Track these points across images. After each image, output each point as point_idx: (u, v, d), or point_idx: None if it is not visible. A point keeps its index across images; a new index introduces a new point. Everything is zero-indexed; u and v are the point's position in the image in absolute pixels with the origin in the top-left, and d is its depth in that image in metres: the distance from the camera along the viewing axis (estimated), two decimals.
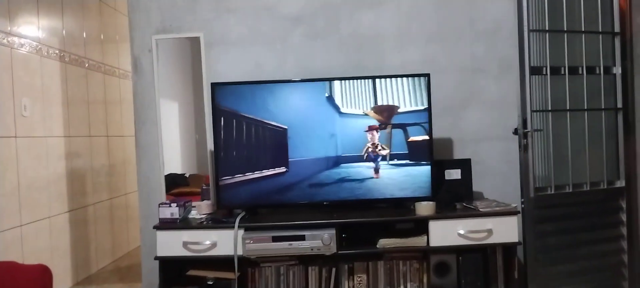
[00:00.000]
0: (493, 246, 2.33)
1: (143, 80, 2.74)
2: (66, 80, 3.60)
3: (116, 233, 4.28)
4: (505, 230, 2.25)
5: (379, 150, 2.40)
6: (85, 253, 3.78)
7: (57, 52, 3.49)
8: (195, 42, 2.69)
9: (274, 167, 2.38)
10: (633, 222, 2.65)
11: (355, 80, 2.41)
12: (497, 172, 2.69)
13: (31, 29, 3.21)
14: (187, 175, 2.76)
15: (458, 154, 2.69)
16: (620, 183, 2.64)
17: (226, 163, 2.39)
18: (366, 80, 2.41)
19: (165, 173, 2.70)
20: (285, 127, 2.37)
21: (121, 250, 4.34)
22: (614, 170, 2.66)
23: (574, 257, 2.56)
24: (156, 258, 2.27)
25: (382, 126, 2.39)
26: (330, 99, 2.39)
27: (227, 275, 2.25)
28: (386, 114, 2.40)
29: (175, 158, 2.77)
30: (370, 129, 2.41)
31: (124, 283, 3.60)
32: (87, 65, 3.90)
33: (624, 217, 2.65)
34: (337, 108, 2.39)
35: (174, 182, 2.72)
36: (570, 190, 2.54)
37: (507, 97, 2.67)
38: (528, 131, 2.42)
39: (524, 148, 2.47)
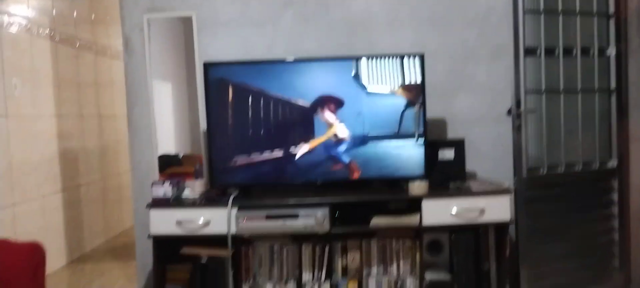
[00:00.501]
0: (485, 225, 2.35)
1: (134, 59, 2.71)
2: (57, 60, 3.56)
3: (109, 213, 4.28)
4: (498, 210, 2.26)
5: (343, 136, 2.37)
6: (79, 232, 3.78)
7: (47, 31, 3.45)
8: (187, 22, 2.66)
9: (268, 147, 2.38)
10: (625, 201, 2.67)
11: (343, 61, 2.39)
12: (489, 155, 2.70)
13: (20, 8, 3.17)
14: (180, 156, 2.75)
15: (451, 137, 2.70)
16: (613, 163, 2.66)
17: (219, 143, 2.38)
18: (354, 60, 2.39)
19: (159, 154, 2.69)
20: (280, 107, 2.36)
21: (115, 230, 4.34)
22: (607, 151, 2.68)
23: (565, 236, 2.58)
24: (149, 236, 2.27)
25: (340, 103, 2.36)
26: (325, 79, 2.38)
27: (220, 253, 2.26)
28: (414, 93, 2.37)
29: (168, 138, 2.75)
30: (324, 103, 2.36)
31: (118, 262, 3.60)
32: (77, 45, 3.86)
33: (615, 197, 2.67)
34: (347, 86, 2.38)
35: (167, 162, 2.71)
36: (563, 171, 2.56)
37: (498, 82, 2.68)
38: (521, 112, 2.43)
39: (517, 129, 2.48)
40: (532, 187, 2.48)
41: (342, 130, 2.35)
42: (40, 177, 3.33)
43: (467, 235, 2.35)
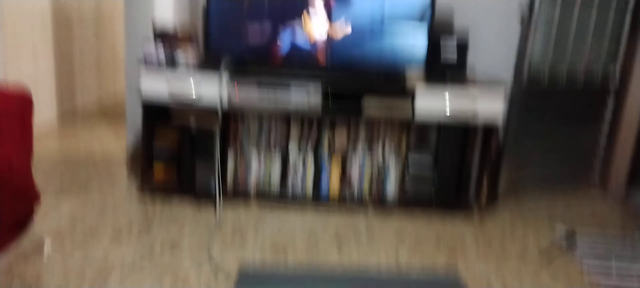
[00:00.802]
0: (475, 122, 2.36)
1: None
2: None
3: (102, 75, 4.26)
4: (490, 109, 2.25)
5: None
6: (70, 88, 3.78)
7: None
8: None
9: (268, 25, 2.29)
10: (617, 118, 2.68)
11: None
12: (493, 52, 2.63)
13: None
14: (177, 26, 2.66)
15: (457, 29, 2.62)
16: (614, 80, 2.63)
17: (217, 17, 2.29)
18: None
19: (155, 23, 2.60)
20: None
21: (106, 91, 4.35)
22: (611, 68, 2.63)
23: (550, 143, 2.62)
24: (140, 97, 2.25)
25: None
26: None
27: (210, 123, 2.26)
28: None
29: (166, 9, 2.66)
30: None
31: (108, 121, 3.64)
32: None
33: (608, 113, 2.68)
34: None
35: (163, 31, 2.62)
36: (564, 79, 2.53)
37: None
38: (533, 15, 2.35)
39: (525, 32, 2.41)
40: (529, 92, 2.47)
41: (318, 21, 2.26)
42: (32, 30, 3.25)
43: (456, 130, 2.35)
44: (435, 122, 2.37)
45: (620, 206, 2.58)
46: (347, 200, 2.39)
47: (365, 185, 2.42)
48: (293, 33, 2.29)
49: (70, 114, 3.71)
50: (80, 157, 2.86)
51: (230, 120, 2.38)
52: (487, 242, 2.12)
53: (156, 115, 2.36)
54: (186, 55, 2.39)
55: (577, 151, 2.70)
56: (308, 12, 2.26)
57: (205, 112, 2.29)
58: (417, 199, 2.39)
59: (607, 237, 2.20)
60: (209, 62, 2.37)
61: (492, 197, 2.55)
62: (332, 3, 2.25)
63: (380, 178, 2.42)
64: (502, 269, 1.90)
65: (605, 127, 2.71)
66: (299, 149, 2.41)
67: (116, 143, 3.17)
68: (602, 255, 2.03)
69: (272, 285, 1.07)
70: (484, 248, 2.07)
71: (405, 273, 1.19)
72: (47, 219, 2.05)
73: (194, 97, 2.21)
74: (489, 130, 2.33)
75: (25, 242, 1.84)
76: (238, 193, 2.40)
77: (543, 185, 2.68)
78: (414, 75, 2.26)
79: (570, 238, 2.16)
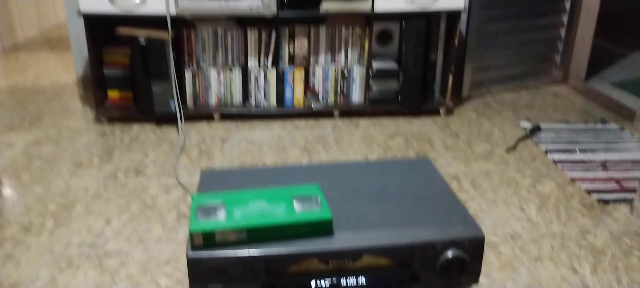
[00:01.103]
0: (438, 13, 2.30)
1: None
2: None
3: (41, 4, 3.96)
4: None
5: None
6: (9, 23, 3.51)
7: None
8: None
9: None
10: (575, 5, 2.65)
11: None
12: None
13: None
14: None
15: None
16: None
17: None
18: None
19: None
20: None
21: (48, 22, 4.07)
22: None
23: (514, 29, 2.59)
24: (79, 13, 2.09)
25: None
26: None
27: (160, 35, 2.12)
28: None
29: None
30: None
31: (54, 52, 3.43)
32: None
33: (568, 3, 2.65)
34: None
35: None
36: None
37: None
38: None
39: None
40: None
41: None
42: None
43: (419, 23, 2.29)
44: (396, 19, 2.29)
45: (582, 97, 2.62)
46: (313, 111, 2.35)
47: (330, 95, 2.38)
48: None
49: (13, 50, 3.46)
50: (29, 92, 2.70)
51: (183, 36, 2.25)
52: (454, 141, 2.14)
53: (102, 35, 2.21)
54: None
55: (539, 46, 2.70)
56: None
57: (154, 28, 2.15)
58: (383, 104, 2.37)
59: (571, 129, 2.24)
60: None
61: (457, 98, 2.55)
62: None
63: (345, 86, 2.37)
64: (471, 165, 1.93)
65: (566, 18, 2.69)
66: (259, 64, 2.32)
67: (66, 74, 2.99)
68: (566, 146, 2.07)
69: (236, 182, 1.04)
70: (452, 147, 2.09)
71: (375, 162, 1.19)
72: (1, 157, 1.95)
73: (140, 10, 2.06)
74: (451, 23, 2.28)
75: None
76: (200, 113, 2.32)
77: (507, 85, 2.69)
78: None
79: (535, 132, 2.19)
